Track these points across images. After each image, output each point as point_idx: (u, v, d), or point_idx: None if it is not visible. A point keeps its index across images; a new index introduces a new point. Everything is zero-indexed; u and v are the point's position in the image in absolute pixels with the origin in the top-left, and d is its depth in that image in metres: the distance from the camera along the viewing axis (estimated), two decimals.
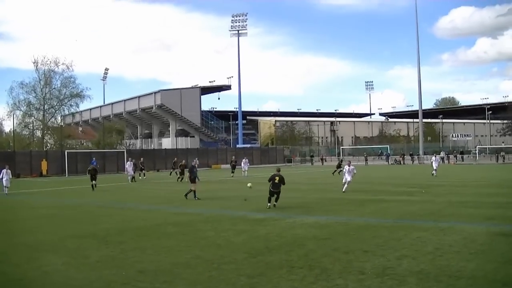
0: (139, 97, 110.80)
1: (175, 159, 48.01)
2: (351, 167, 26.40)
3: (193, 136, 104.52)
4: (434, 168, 39.58)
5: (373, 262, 9.93)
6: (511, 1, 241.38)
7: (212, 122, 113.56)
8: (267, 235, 13.64)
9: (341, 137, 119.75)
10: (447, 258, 10.09)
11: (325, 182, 36.61)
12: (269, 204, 19.64)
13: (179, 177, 38.48)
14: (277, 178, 19.68)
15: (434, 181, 33.71)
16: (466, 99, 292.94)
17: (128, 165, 42.22)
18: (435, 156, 42.19)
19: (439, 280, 8.53)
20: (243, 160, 48.80)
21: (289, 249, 11.48)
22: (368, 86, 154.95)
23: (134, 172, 42.35)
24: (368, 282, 8.58)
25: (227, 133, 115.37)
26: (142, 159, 48.48)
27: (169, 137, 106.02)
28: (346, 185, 25.76)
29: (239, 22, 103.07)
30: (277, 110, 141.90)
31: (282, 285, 8.55)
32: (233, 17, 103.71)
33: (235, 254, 11.05)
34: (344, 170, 26.85)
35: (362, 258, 10.34)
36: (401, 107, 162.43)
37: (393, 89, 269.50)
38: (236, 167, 48.58)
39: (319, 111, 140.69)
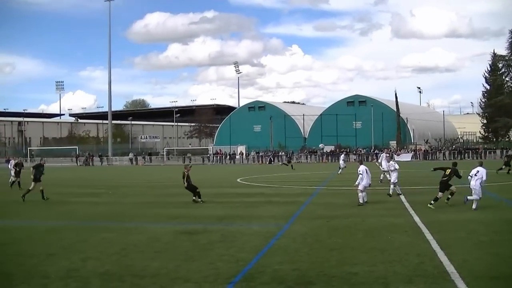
0: None
1: None
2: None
3: None
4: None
5: (58, 265, 9.83)
6: (204, 10, 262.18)
7: None
8: None
9: (29, 137, 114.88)
10: (132, 258, 10.46)
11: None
12: None
13: None
14: None
15: (121, 183, 34.42)
16: (156, 102, 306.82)
17: None
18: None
19: (123, 280, 8.81)
20: None
21: None
22: (59, 86, 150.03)
23: None
24: (51, 286, 8.50)
25: None
26: None
27: None
28: None
29: None
30: None
31: None
32: None
33: None
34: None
35: (47, 262, 10.16)
36: (92, 108, 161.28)
37: (84, 90, 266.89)
38: None
39: (7, 110, 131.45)
